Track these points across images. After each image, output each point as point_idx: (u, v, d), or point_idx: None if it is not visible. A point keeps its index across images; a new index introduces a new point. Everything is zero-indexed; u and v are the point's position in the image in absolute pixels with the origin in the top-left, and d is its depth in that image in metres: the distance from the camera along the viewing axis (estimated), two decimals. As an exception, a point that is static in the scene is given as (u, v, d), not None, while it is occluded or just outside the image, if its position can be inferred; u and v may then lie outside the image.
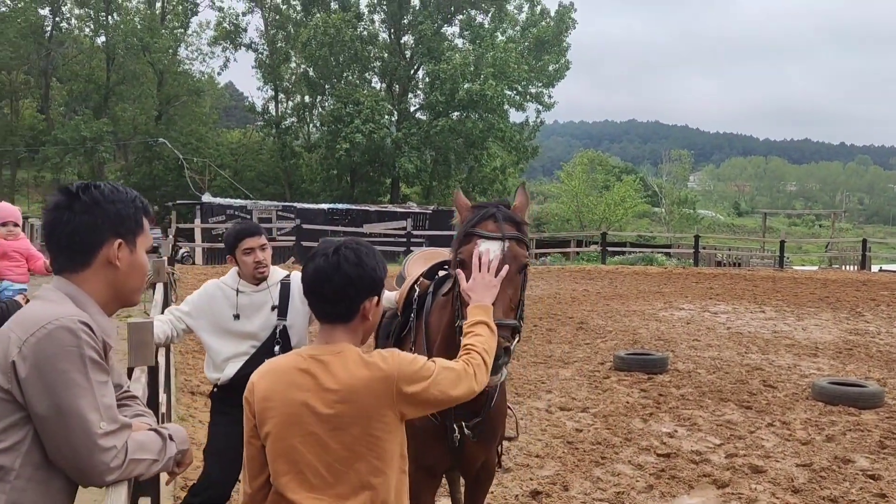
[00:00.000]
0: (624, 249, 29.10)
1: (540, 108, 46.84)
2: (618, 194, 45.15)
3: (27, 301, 4.52)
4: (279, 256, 20.81)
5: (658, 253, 28.19)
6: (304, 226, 23.45)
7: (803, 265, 34.44)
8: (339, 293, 2.13)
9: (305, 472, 2.08)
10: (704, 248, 29.62)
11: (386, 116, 40.84)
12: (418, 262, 3.88)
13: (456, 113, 41.30)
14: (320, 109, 44.08)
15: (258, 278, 3.79)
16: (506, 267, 2.72)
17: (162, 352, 5.99)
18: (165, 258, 8.18)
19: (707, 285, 19.56)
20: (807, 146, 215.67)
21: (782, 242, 25.18)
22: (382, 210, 34.04)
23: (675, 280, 20.93)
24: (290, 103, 47.90)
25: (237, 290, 3.76)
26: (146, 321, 3.10)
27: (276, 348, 3.70)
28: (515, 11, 47.32)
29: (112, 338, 1.92)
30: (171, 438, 1.98)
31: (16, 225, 4.92)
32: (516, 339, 2.90)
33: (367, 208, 33.38)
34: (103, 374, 1.79)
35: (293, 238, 23.43)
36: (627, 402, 7.70)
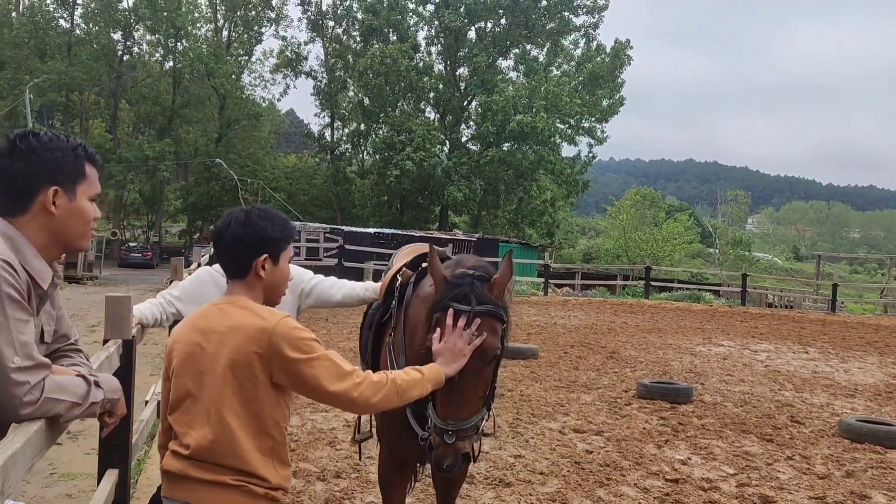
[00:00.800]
0: (671, 285, 28.57)
1: (592, 142, 46.77)
2: (667, 230, 44.49)
3: None
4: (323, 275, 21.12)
5: (706, 292, 27.59)
6: (347, 246, 23.75)
7: (864, 312, 33.23)
8: (228, 251, 2.34)
9: (190, 408, 2.22)
10: (755, 288, 28.90)
11: (437, 146, 41.29)
12: (404, 255, 3.91)
13: (506, 144, 41.52)
14: (374, 137, 44.84)
15: None
16: (482, 335, 2.61)
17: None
18: (195, 264, 8.37)
19: (752, 324, 19.03)
20: (871, 193, 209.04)
21: (835, 286, 24.38)
22: (427, 235, 34.24)
23: (719, 318, 20.43)
24: (346, 130, 48.91)
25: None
26: (123, 295, 3.20)
27: None
28: (571, 47, 47.61)
29: (46, 282, 1.97)
30: (98, 385, 2.02)
31: None
32: (485, 417, 2.83)
33: (412, 233, 33.64)
34: (22, 313, 1.82)
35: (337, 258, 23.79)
36: (644, 429, 7.53)
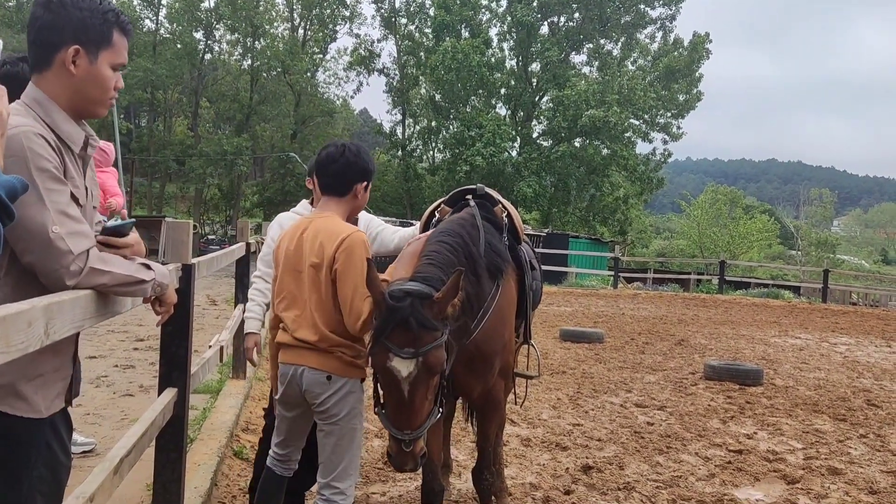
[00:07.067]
0: (749, 280, 27.58)
1: (667, 138, 45.65)
2: (744, 227, 43.03)
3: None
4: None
5: (785, 290, 26.54)
6: (416, 237, 23.86)
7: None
8: (339, 173, 2.98)
9: (291, 300, 2.94)
10: (838, 285, 27.71)
11: (508, 141, 41.10)
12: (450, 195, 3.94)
13: (578, 139, 40.98)
14: (444, 133, 44.97)
15: None
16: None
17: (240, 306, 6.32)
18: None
19: (832, 320, 18.24)
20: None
21: (924, 283, 23.13)
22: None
23: (797, 313, 19.65)
24: (417, 127, 49.24)
25: None
26: (183, 221, 3.32)
27: None
28: (647, 41, 46.63)
29: (77, 145, 2.01)
30: (147, 267, 2.08)
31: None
32: (437, 416, 2.81)
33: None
34: (56, 183, 1.86)
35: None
36: (709, 406, 7.34)
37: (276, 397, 3.08)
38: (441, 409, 2.83)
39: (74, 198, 1.95)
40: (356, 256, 2.77)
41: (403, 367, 2.61)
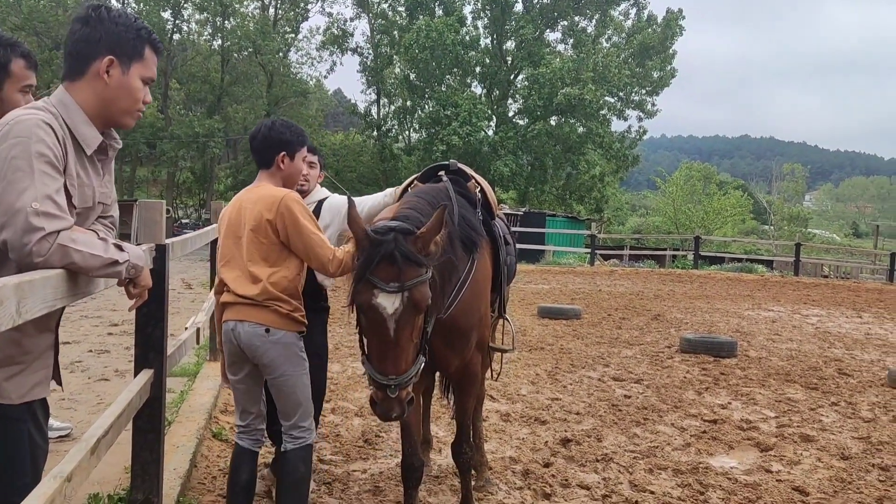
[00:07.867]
0: (723, 255, 27.93)
1: (642, 115, 45.78)
2: (718, 203, 43.45)
3: None
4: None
5: (758, 264, 26.92)
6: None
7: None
8: (258, 149, 3.23)
9: (231, 261, 3.16)
10: (810, 259, 28.13)
11: (484, 120, 40.94)
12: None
13: (554, 118, 40.96)
14: (420, 113, 44.66)
15: (297, 191, 3.74)
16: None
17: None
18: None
19: (804, 293, 18.56)
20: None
21: (893, 255, 23.58)
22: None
23: (770, 287, 19.96)
24: (392, 107, 48.88)
25: None
26: (156, 201, 3.29)
27: None
28: (621, 18, 46.55)
29: (90, 147, 2.07)
30: (119, 247, 2.05)
31: None
32: (422, 364, 2.79)
33: (458, 208, 33.53)
34: (49, 169, 1.89)
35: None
36: (685, 378, 7.44)
37: (226, 365, 3.22)
38: (426, 357, 2.82)
39: (68, 193, 1.98)
40: (296, 212, 3.00)
41: (389, 302, 2.59)
